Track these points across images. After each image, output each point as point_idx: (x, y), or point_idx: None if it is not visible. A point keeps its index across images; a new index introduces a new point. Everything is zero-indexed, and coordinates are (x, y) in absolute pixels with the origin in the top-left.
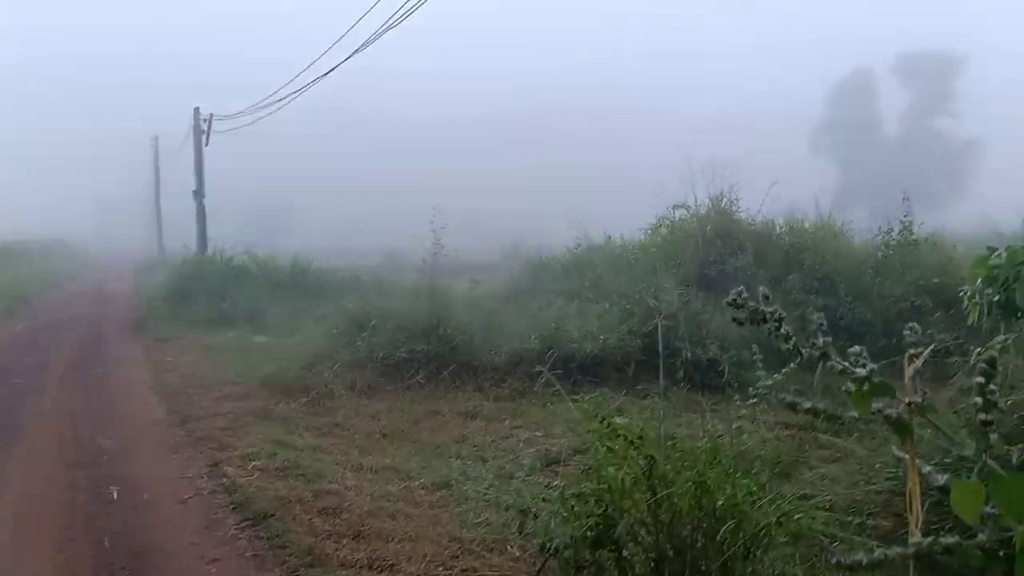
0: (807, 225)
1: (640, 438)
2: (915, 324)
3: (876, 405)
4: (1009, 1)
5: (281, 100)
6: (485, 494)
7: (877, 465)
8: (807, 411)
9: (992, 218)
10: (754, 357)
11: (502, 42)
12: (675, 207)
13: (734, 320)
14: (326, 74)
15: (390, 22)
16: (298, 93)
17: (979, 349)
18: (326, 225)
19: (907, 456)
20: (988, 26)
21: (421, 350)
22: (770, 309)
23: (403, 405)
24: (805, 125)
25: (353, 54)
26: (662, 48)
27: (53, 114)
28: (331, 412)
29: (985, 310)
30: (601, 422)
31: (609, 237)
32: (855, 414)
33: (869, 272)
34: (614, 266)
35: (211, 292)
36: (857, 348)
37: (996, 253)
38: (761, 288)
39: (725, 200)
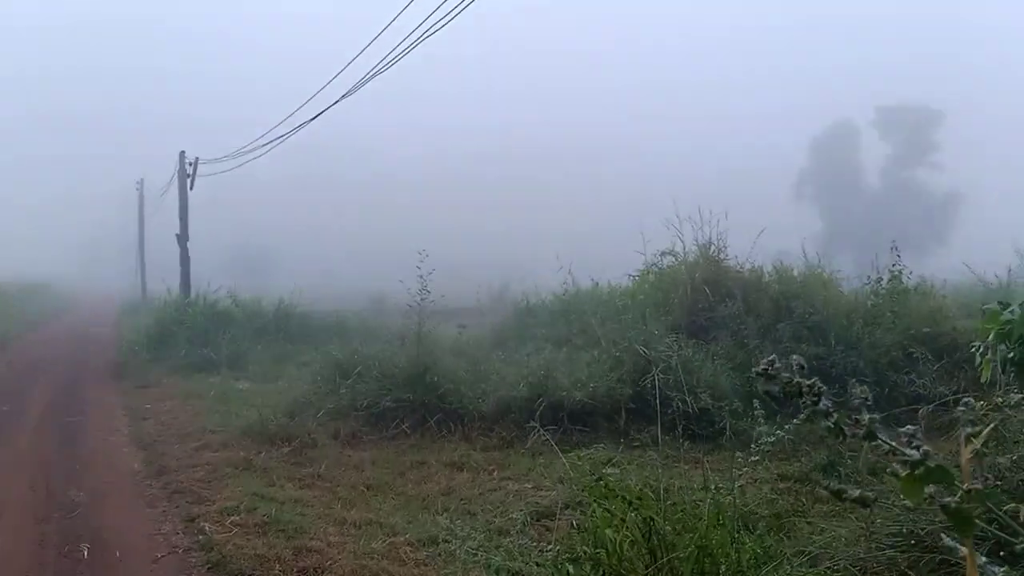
0: (795, 273)
1: (639, 498)
2: (971, 400)
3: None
4: (982, 58)
5: (268, 143)
6: (474, 553)
7: (878, 521)
8: (855, 500)
9: (974, 267)
10: (755, 411)
11: (491, 86)
12: (663, 254)
13: (766, 392)
14: (311, 120)
15: (377, 68)
16: (283, 138)
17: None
18: (310, 268)
19: (963, 549)
20: (963, 81)
21: (407, 398)
22: (808, 382)
23: (388, 455)
24: (788, 177)
25: (338, 101)
26: (648, 104)
27: (37, 156)
28: (313, 462)
29: (999, 367)
30: (597, 481)
31: (596, 283)
32: (906, 501)
33: (859, 321)
34: (602, 312)
35: (193, 336)
36: (910, 428)
37: (1009, 308)
38: (795, 357)
39: (713, 248)
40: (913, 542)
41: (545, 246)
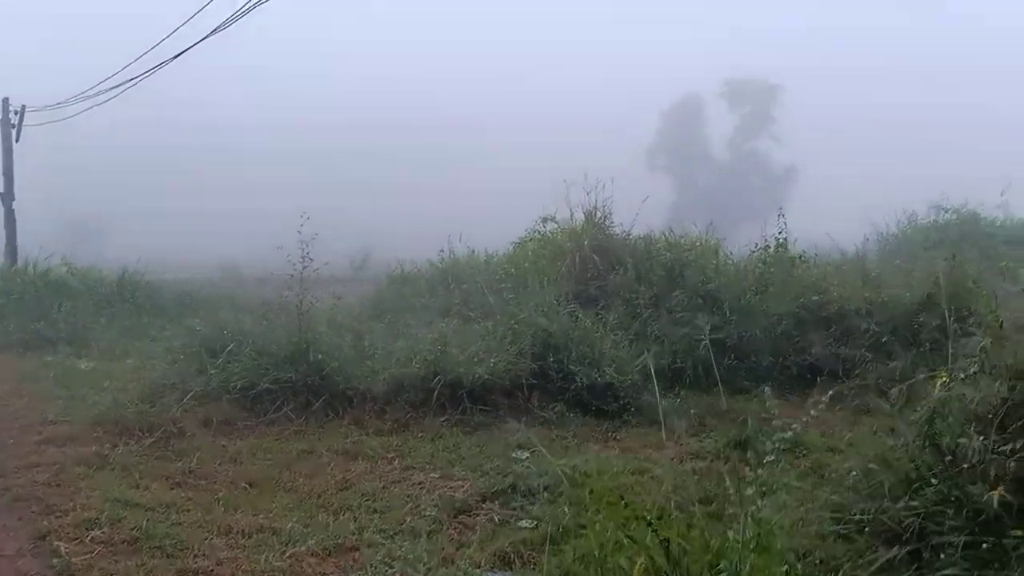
0: (684, 241)
1: (660, 518)
2: None
3: None
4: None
5: (111, 90)
6: (391, 563)
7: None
8: None
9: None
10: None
11: (358, 46)
12: (544, 220)
13: None
14: (154, 69)
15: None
16: (132, 83)
17: None
18: (153, 235)
19: None
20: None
21: (287, 378)
22: None
23: (270, 444)
24: (643, 148)
25: (194, 45)
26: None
27: None
28: (183, 456)
29: None
30: (615, 502)
31: (472, 251)
32: None
33: (751, 290)
34: (484, 281)
35: (24, 309)
36: None
37: None
38: None
39: (599, 214)
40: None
41: (413, 216)
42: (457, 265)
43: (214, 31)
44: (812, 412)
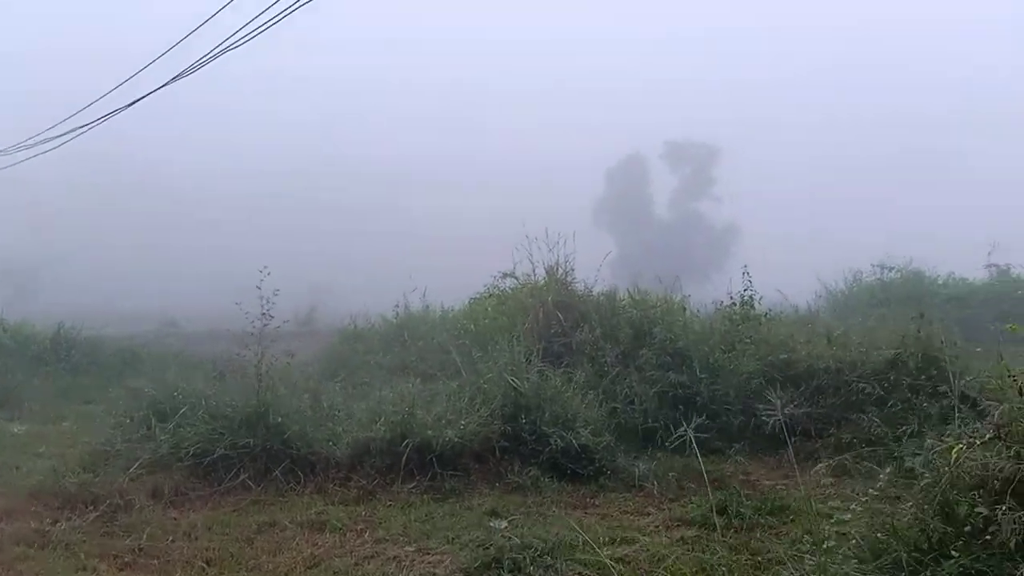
0: (650, 298)
1: None
2: None
3: None
4: (756, 101)
5: (49, 140)
6: None
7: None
8: None
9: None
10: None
11: (308, 83)
12: (503, 275)
13: None
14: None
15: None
16: (67, 136)
17: None
18: (89, 289)
19: None
20: (741, 122)
21: (245, 444)
22: None
23: (227, 517)
24: (589, 204)
25: (130, 104)
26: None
27: None
28: (132, 531)
29: None
30: None
31: (427, 306)
32: None
33: (720, 347)
34: (441, 339)
35: None
36: None
37: None
38: None
39: (561, 271)
40: None
41: (360, 271)
42: (412, 321)
43: (166, 83)
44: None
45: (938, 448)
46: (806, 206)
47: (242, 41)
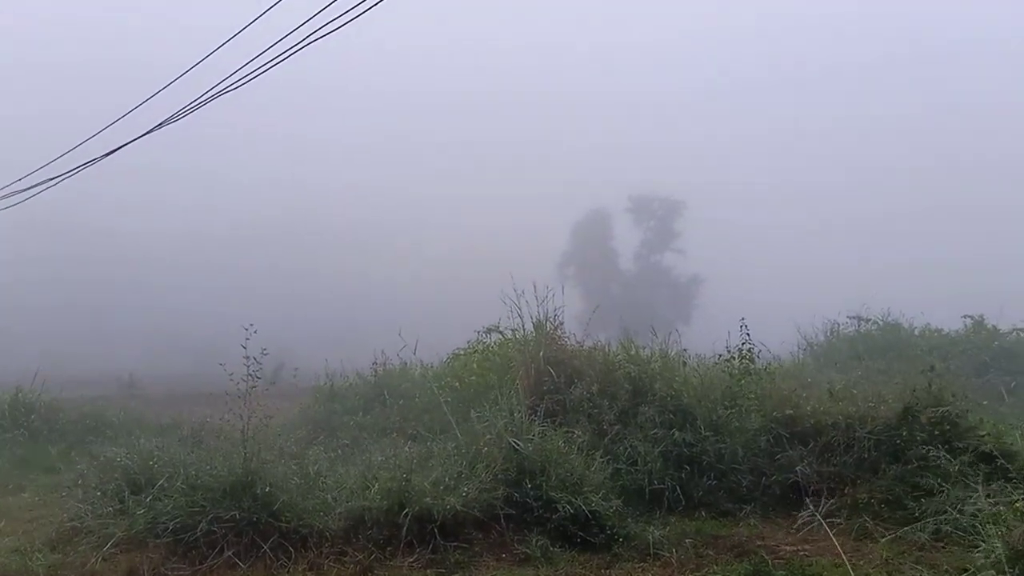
0: (646, 353)
1: None
2: None
3: None
4: (717, 154)
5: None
6: None
7: None
8: None
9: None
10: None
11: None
12: (488, 331)
13: None
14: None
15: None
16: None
17: None
18: (37, 350)
19: None
20: (702, 177)
21: (230, 517)
22: None
23: None
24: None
25: (76, 169)
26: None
27: None
28: None
29: None
30: None
31: (405, 363)
32: None
33: (725, 403)
34: (424, 398)
35: None
36: None
37: None
38: None
39: (550, 325)
40: None
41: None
42: (391, 378)
43: (112, 151)
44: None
45: (985, 511)
46: (771, 258)
47: (194, 106)
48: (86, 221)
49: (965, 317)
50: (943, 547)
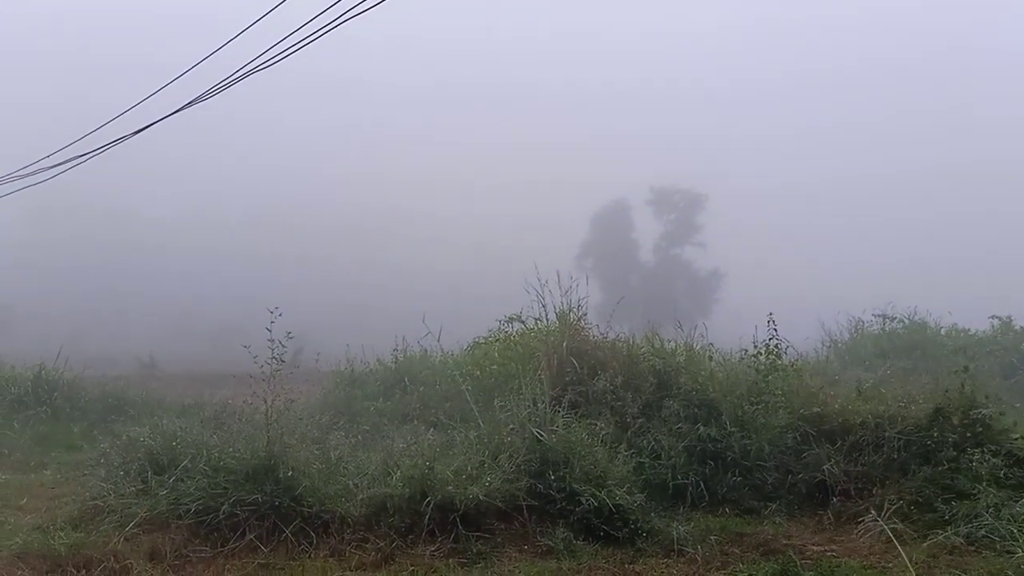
0: (671, 346)
1: None
2: None
3: None
4: (741, 149)
5: (30, 176)
6: None
7: None
8: None
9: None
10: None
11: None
12: (509, 320)
13: None
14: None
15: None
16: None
17: None
18: (64, 324)
19: None
20: (725, 170)
21: (252, 500)
22: None
23: None
24: (572, 249)
25: (97, 151)
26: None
27: None
28: None
29: None
30: None
31: (426, 350)
32: None
33: (751, 399)
34: (444, 385)
35: None
36: None
37: None
38: None
39: (573, 316)
40: None
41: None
42: (411, 365)
43: (136, 132)
44: None
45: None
46: (793, 255)
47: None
48: (107, 204)
49: (992, 318)
50: (976, 552)
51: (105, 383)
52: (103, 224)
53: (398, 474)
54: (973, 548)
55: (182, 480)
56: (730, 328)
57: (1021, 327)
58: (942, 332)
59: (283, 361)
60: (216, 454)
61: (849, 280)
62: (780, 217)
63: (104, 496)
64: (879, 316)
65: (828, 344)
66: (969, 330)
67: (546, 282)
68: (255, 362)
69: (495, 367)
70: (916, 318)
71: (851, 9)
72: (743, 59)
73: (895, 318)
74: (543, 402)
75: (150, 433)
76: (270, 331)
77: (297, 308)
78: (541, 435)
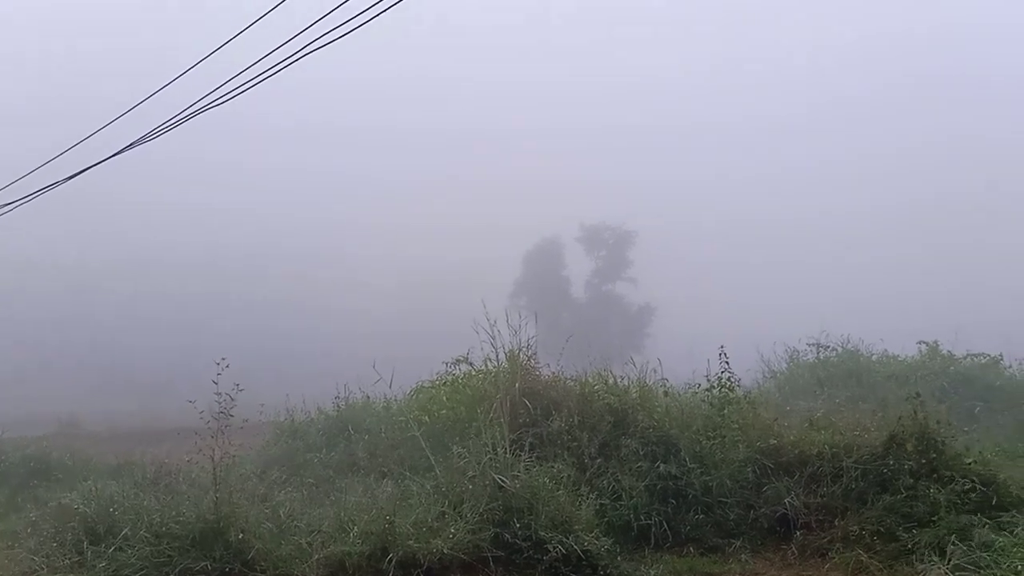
0: (625, 383)
1: None
2: None
3: None
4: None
5: None
6: None
7: None
8: None
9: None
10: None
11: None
12: (456, 361)
13: None
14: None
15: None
16: None
17: None
18: None
19: None
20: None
21: (201, 568)
22: None
23: None
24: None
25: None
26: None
27: None
28: None
29: None
30: None
31: (368, 396)
32: None
33: (708, 434)
34: (391, 433)
35: None
36: None
37: None
38: None
39: (524, 356)
40: None
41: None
42: (353, 413)
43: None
44: None
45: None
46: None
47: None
48: (20, 254)
49: (920, 343)
50: None
51: (26, 445)
52: (15, 275)
53: (355, 530)
54: None
55: (122, 549)
56: (666, 363)
57: (948, 351)
58: (873, 359)
59: (231, 415)
60: (158, 519)
61: (778, 314)
62: (711, 254)
63: (36, 571)
64: (813, 345)
65: (768, 375)
66: (899, 356)
67: (495, 322)
68: (200, 417)
69: (444, 412)
70: (849, 346)
71: (789, 53)
72: (671, 104)
73: (828, 346)
74: (503, 447)
75: (83, 499)
76: (216, 383)
77: (232, 357)
78: (504, 481)
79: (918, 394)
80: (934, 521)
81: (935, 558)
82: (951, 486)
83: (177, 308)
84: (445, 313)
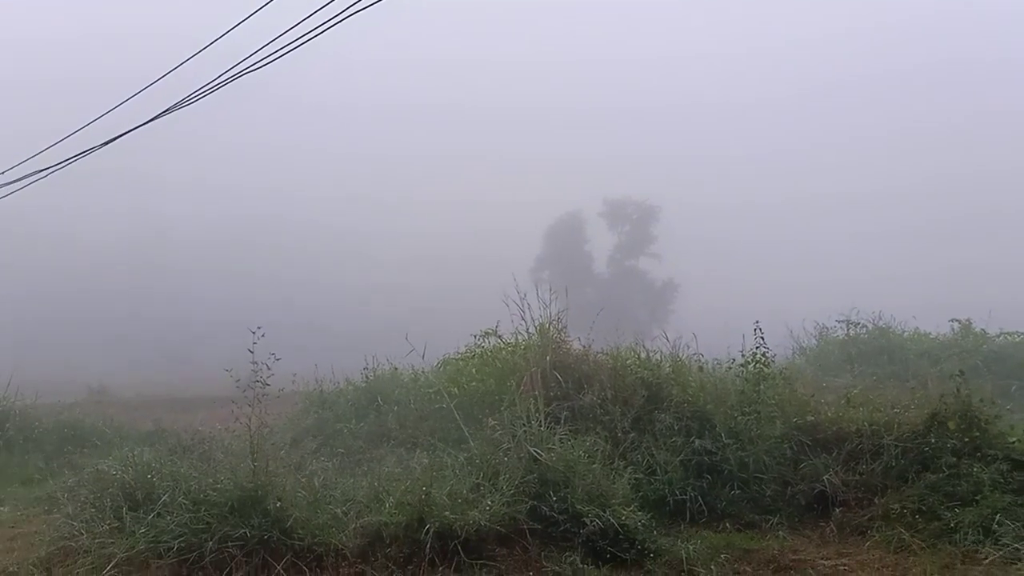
0: (658, 358)
1: None
2: None
3: None
4: (691, 164)
5: None
6: None
7: None
8: None
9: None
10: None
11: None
12: (485, 334)
13: None
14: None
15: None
16: None
17: None
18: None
19: None
20: (676, 182)
21: (239, 535)
22: None
23: None
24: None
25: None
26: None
27: None
28: None
29: None
30: None
31: (395, 368)
32: None
33: (744, 410)
34: (419, 404)
35: None
36: None
37: None
38: None
39: (554, 330)
40: None
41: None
42: (382, 384)
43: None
44: None
45: None
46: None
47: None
48: (47, 229)
49: (952, 321)
50: (984, 560)
51: (59, 412)
52: (45, 250)
53: (390, 500)
54: (982, 556)
55: (161, 516)
56: (688, 338)
57: (980, 329)
58: (905, 336)
59: (267, 384)
60: (195, 486)
61: (806, 291)
62: (735, 232)
63: (76, 536)
64: (843, 322)
65: (798, 352)
66: (930, 334)
67: (524, 295)
68: (237, 385)
69: (473, 384)
70: (880, 323)
71: (816, 31)
72: (701, 83)
73: (859, 323)
74: (537, 419)
75: (121, 465)
76: (252, 352)
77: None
78: (539, 454)
79: (961, 372)
80: (977, 500)
81: (980, 537)
82: (995, 465)
83: (204, 283)
84: (464, 289)
